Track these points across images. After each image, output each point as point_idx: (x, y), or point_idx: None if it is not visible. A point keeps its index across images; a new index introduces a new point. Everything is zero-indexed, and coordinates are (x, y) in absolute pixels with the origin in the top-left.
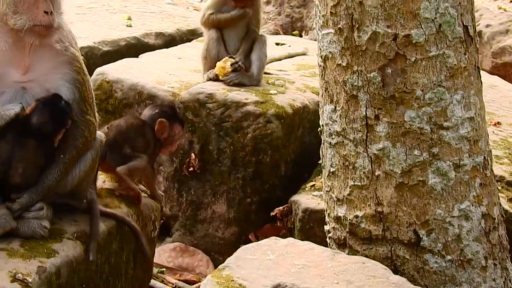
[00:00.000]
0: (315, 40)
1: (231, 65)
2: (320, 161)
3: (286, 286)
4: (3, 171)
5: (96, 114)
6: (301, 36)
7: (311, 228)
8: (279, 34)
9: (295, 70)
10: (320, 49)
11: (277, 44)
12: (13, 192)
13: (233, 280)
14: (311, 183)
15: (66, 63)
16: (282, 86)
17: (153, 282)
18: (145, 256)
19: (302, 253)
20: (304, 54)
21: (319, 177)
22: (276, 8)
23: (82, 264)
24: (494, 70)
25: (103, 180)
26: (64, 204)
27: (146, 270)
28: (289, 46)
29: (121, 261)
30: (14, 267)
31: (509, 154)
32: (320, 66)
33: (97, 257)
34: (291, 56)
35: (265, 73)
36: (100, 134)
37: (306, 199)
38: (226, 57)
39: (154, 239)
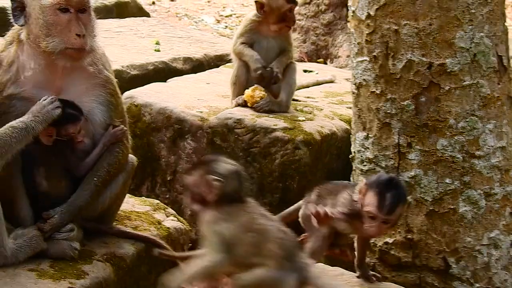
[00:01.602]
0: (341, 67)
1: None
2: None
3: None
4: (31, 181)
5: (129, 137)
6: (325, 63)
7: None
8: (304, 61)
9: (323, 97)
10: (354, 76)
11: (305, 71)
12: (44, 210)
13: None
14: None
15: (99, 85)
16: (310, 113)
17: None
18: None
19: (332, 279)
20: (331, 81)
21: None
22: (302, 36)
23: (111, 286)
24: None
25: (132, 204)
26: (93, 228)
27: None
28: (317, 73)
29: (149, 284)
30: None
31: None
32: (353, 93)
33: (125, 280)
34: (319, 84)
35: (293, 99)
36: (132, 157)
37: None
38: (256, 85)
39: None
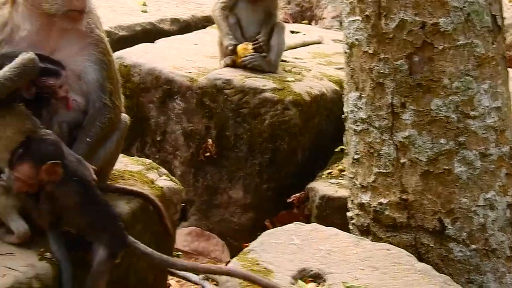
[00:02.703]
0: (326, 29)
1: (253, 48)
2: (336, 149)
3: (312, 270)
4: None
5: (121, 96)
6: (310, 25)
7: (328, 215)
8: (289, 23)
9: (311, 58)
10: (346, 36)
11: (292, 32)
12: None
13: (258, 264)
14: (328, 171)
15: (91, 44)
16: (299, 74)
17: None
18: (169, 236)
19: (327, 238)
20: (319, 42)
21: (336, 164)
22: None
23: None
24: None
25: (125, 164)
26: None
27: (168, 253)
28: (304, 34)
29: (144, 243)
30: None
31: None
32: (345, 53)
33: None
34: (306, 44)
35: (282, 60)
36: (125, 116)
37: (323, 186)
38: (246, 43)
39: (175, 222)
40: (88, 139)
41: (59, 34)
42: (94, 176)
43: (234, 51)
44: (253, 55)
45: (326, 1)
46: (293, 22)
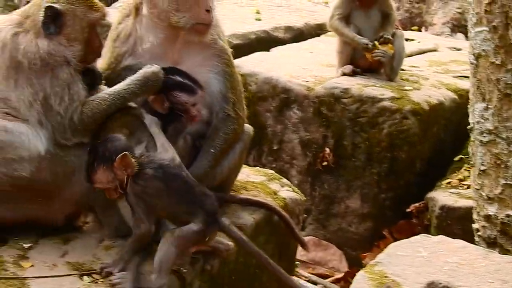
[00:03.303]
0: (436, 35)
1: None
2: (455, 158)
3: (441, 283)
4: None
5: (244, 107)
6: (420, 31)
7: (448, 225)
8: (398, 29)
9: (428, 66)
10: (473, 47)
11: (407, 40)
12: None
13: (386, 276)
14: (447, 180)
15: (215, 55)
16: (416, 83)
17: None
18: (302, 244)
19: (454, 251)
20: (435, 50)
21: (455, 174)
22: (395, 3)
23: (232, 256)
24: None
25: (247, 174)
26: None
27: (290, 263)
28: (419, 42)
29: (267, 254)
30: None
31: None
32: (472, 64)
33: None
34: (422, 52)
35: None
36: (248, 127)
37: (443, 196)
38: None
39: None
40: (212, 150)
41: (182, 46)
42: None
43: (368, 48)
44: (384, 51)
45: (437, 7)
46: (403, 29)
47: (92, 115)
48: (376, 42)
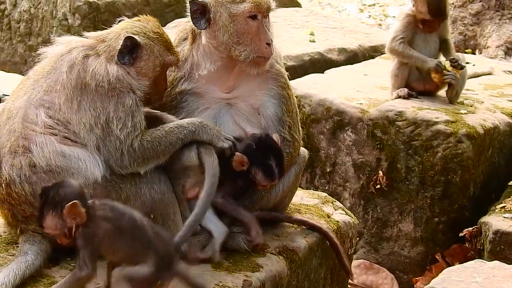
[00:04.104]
0: (490, 58)
1: (452, 65)
2: (510, 183)
3: None
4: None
5: (300, 130)
6: (473, 54)
7: (502, 250)
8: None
9: (483, 89)
10: None
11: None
12: None
13: None
14: (501, 205)
15: (271, 79)
16: (471, 106)
17: None
18: (347, 272)
19: (509, 277)
20: (490, 73)
21: (509, 199)
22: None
23: (284, 279)
24: None
25: (301, 197)
26: (271, 217)
27: (341, 286)
28: (474, 65)
29: (319, 278)
30: (221, 280)
31: None
32: None
33: (297, 273)
34: (477, 76)
35: None
36: (303, 150)
37: (497, 221)
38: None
39: (350, 256)
40: None
41: (239, 73)
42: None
43: (441, 69)
44: (454, 73)
45: (491, 29)
46: (456, 52)
47: (152, 145)
48: (446, 65)
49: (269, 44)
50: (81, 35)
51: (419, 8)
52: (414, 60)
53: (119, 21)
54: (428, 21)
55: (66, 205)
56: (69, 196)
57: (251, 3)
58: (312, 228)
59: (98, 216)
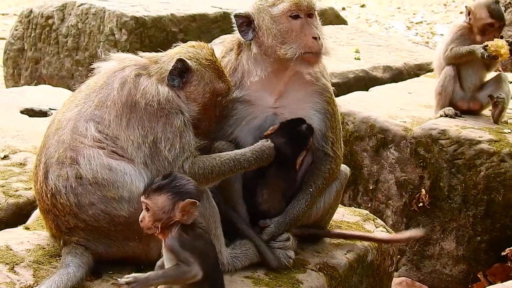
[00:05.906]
0: None
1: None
2: None
3: None
4: (252, 200)
5: (342, 146)
6: None
7: None
8: (499, 71)
9: None
10: None
11: (510, 82)
12: (261, 219)
13: None
14: None
15: (317, 93)
16: None
17: None
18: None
19: None
20: None
21: None
22: None
23: None
24: None
25: (342, 214)
26: (310, 233)
27: None
28: None
29: None
30: None
31: None
32: None
33: None
34: None
35: None
36: (345, 167)
37: None
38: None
39: (391, 274)
40: (310, 189)
41: (287, 80)
42: None
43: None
44: (504, 97)
45: None
46: (503, 70)
47: (204, 172)
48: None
49: (315, 38)
50: (136, 54)
51: (478, 15)
52: (467, 53)
53: (175, 46)
54: (490, 26)
55: (188, 199)
56: (193, 195)
57: (289, 2)
58: (355, 238)
59: (197, 231)
